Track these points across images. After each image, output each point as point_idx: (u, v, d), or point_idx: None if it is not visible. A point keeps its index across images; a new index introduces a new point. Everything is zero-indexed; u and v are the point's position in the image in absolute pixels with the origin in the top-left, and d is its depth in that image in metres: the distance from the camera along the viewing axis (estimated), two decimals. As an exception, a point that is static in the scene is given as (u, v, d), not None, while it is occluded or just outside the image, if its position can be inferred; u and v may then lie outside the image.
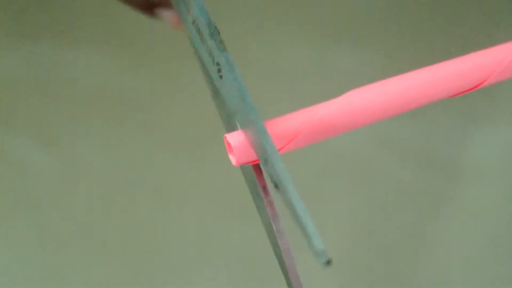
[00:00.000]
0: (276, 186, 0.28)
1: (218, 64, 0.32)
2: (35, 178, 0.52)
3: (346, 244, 0.50)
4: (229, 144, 0.31)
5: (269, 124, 0.31)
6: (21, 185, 0.52)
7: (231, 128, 0.33)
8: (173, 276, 0.50)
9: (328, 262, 0.26)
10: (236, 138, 0.31)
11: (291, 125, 0.31)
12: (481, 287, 0.50)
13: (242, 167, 0.33)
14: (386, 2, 0.58)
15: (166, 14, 0.38)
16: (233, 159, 0.31)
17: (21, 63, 0.55)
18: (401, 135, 0.54)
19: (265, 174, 0.30)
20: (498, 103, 0.55)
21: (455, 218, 0.52)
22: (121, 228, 0.51)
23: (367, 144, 0.53)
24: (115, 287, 0.49)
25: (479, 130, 0.54)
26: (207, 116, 0.54)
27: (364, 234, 0.51)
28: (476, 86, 0.34)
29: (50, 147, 0.53)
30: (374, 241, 0.51)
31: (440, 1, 0.58)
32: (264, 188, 0.31)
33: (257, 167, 0.31)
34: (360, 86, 0.56)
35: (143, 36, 0.55)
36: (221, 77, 0.32)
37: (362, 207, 0.51)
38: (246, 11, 0.58)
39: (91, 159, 0.52)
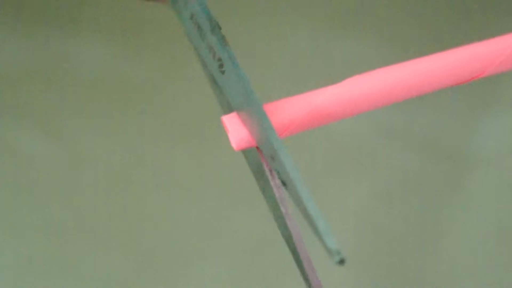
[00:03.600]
0: (284, 183, 0.28)
1: (219, 59, 0.31)
2: (38, 169, 0.52)
3: (351, 235, 0.50)
4: (227, 128, 0.31)
5: (265, 108, 0.31)
6: (25, 177, 0.52)
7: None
8: (178, 266, 0.49)
9: (342, 261, 0.26)
10: (234, 124, 0.31)
11: (287, 111, 0.31)
12: (489, 278, 0.50)
13: (245, 151, 0.32)
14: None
15: None
16: (233, 144, 0.31)
17: (23, 53, 0.54)
18: (406, 123, 0.53)
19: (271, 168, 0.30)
20: (505, 89, 0.55)
21: (462, 207, 0.52)
22: (126, 219, 0.51)
23: (370, 133, 0.53)
24: (120, 278, 0.49)
25: (486, 118, 0.54)
26: (212, 106, 0.54)
27: (369, 224, 0.51)
28: (476, 77, 0.34)
29: (54, 137, 0.52)
30: (379, 231, 0.51)
31: None
32: (271, 171, 0.31)
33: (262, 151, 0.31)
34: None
35: (147, 26, 0.55)
36: (223, 72, 0.31)
37: (366, 197, 0.51)
38: None
39: (95, 150, 0.52)
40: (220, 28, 0.32)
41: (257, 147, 0.31)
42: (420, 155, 0.52)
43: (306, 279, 0.30)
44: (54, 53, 0.54)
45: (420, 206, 0.51)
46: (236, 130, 0.31)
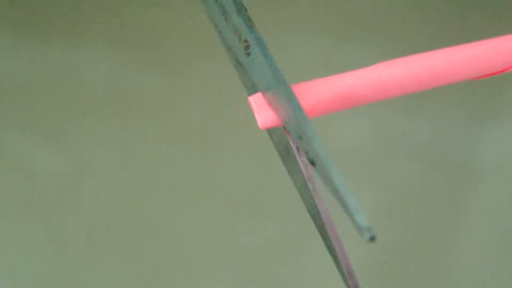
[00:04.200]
0: (313, 163, 0.28)
1: (246, 41, 0.31)
2: (42, 177, 0.51)
3: (351, 244, 0.50)
4: (253, 107, 0.31)
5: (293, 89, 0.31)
6: (28, 185, 0.51)
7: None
8: (181, 277, 0.49)
9: (373, 238, 0.26)
10: (260, 103, 0.31)
11: (314, 92, 0.31)
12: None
13: (270, 131, 0.32)
14: (393, 0, 0.58)
15: None
16: (259, 123, 0.31)
17: (27, 62, 0.54)
18: (408, 133, 0.53)
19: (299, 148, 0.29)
20: (507, 100, 0.55)
21: (464, 217, 0.51)
22: (129, 229, 0.50)
23: (372, 143, 0.53)
24: None
25: (488, 128, 0.54)
26: (217, 115, 0.53)
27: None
28: (506, 69, 0.34)
29: (57, 146, 0.52)
30: (380, 241, 0.50)
31: (447, 1, 0.58)
32: (298, 149, 0.31)
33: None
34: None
35: (151, 35, 0.55)
36: (248, 54, 0.31)
37: (367, 207, 0.51)
38: (251, 7, 0.57)
39: (98, 159, 0.52)
40: (246, 10, 0.32)
41: (284, 127, 0.31)
42: (421, 165, 0.52)
43: (334, 256, 0.30)
44: (58, 62, 0.54)
45: (421, 216, 0.51)
46: (262, 109, 0.31)
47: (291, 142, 0.30)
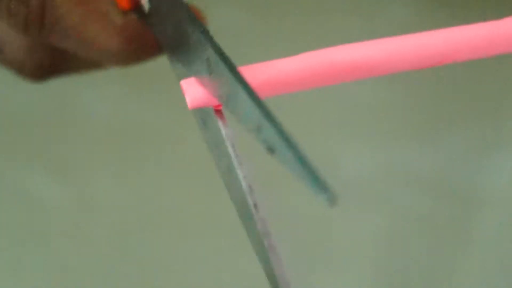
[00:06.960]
0: (272, 151, 0.27)
1: (207, 59, 0.30)
2: (49, 212, 0.52)
3: (355, 275, 0.50)
4: (184, 89, 0.31)
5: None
6: (33, 218, 0.52)
7: None
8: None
9: (333, 200, 0.25)
10: (191, 85, 0.31)
11: (259, 74, 0.31)
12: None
13: (232, 193, 0.32)
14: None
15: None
16: (188, 102, 0.31)
17: (33, 97, 0.54)
18: (411, 163, 0.53)
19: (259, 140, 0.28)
20: (511, 129, 0.55)
21: (469, 247, 0.51)
22: (134, 261, 0.50)
23: (375, 174, 0.53)
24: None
25: (492, 157, 0.53)
26: None
27: (375, 269, 0.50)
28: (445, 61, 0.34)
29: (64, 181, 0.52)
30: (383, 272, 0.50)
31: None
32: (255, 205, 0.30)
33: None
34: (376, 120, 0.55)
35: (158, 69, 0.55)
36: (211, 72, 0.30)
37: (373, 240, 0.51)
38: (249, 47, 0.57)
39: (105, 193, 0.52)
40: (208, 31, 0.31)
41: (216, 110, 0.30)
42: (424, 195, 0.52)
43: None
44: (64, 96, 0.54)
45: (424, 245, 0.51)
46: (193, 89, 0.31)
47: (248, 199, 0.30)
